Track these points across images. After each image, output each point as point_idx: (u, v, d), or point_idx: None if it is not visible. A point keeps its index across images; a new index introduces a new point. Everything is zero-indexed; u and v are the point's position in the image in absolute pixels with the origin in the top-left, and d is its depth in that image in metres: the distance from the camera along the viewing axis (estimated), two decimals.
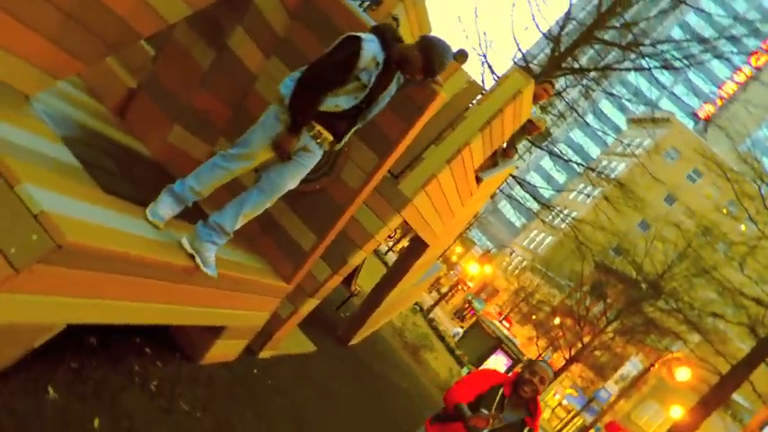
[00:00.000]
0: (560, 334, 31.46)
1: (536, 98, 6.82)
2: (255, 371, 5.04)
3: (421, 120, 3.88)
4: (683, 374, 21.23)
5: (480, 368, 3.98)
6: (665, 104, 54.24)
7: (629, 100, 20.49)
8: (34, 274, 2.13)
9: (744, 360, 12.62)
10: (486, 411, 3.56)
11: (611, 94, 19.45)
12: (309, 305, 5.40)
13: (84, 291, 2.46)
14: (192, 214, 3.43)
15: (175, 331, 4.08)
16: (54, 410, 2.74)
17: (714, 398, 13.34)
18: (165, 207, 3.10)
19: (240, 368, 4.77)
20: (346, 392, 7.04)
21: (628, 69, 17.82)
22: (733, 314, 14.51)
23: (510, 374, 3.90)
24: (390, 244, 37.29)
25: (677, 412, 16.05)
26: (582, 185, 21.04)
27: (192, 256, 3.12)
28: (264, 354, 5.33)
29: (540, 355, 34.15)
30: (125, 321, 2.88)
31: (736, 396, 30.69)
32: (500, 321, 38.97)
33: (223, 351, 4.38)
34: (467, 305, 45.49)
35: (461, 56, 7.67)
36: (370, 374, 8.77)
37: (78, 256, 2.26)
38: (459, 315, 45.91)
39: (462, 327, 38.92)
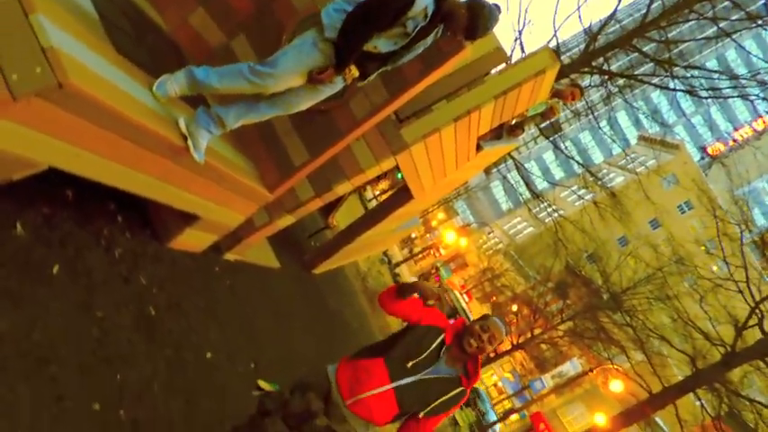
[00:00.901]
0: (514, 320, 32.18)
1: (561, 96, 6.74)
2: (217, 269, 5.14)
3: (440, 68, 3.86)
4: (617, 386, 21.92)
5: (446, 415, 3.50)
6: (680, 131, 54.15)
7: (646, 116, 20.40)
8: (30, 106, 2.15)
9: (676, 385, 13.12)
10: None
11: (631, 106, 19.34)
12: (285, 221, 5.47)
13: (74, 138, 2.48)
14: (195, 99, 3.44)
15: (150, 208, 4.12)
16: (17, 247, 2.80)
17: (638, 412, 13.90)
18: (175, 85, 3.09)
19: (204, 262, 4.86)
20: (298, 315, 7.21)
21: (654, 85, 17.66)
22: (679, 342, 14.97)
23: (455, 321, 3.21)
24: (377, 193, 37.33)
25: (601, 419, 16.67)
26: (576, 186, 21.08)
27: (184, 138, 3.14)
28: (230, 256, 5.42)
29: None
30: (105, 181, 2.91)
31: (658, 418, 31.97)
32: (461, 294, 39.61)
33: (191, 240, 4.45)
34: (434, 270, 46.03)
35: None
36: (324, 305, 8.96)
37: (76, 101, 2.27)
38: (424, 277, 46.52)
39: (416, 274, 39.60)
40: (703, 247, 21.52)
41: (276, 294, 6.66)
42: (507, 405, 37.98)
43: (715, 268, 17.85)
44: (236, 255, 5.54)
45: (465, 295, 42.17)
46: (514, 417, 39.23)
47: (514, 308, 32.77)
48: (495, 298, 38.46)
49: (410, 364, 2.95)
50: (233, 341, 4.69)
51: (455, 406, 3.05)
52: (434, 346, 2.99)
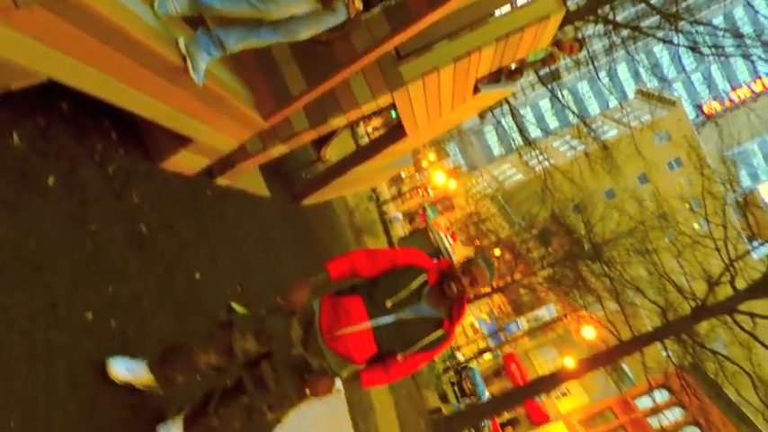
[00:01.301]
0: (496, 264, 32.77)
1: (561, 46, 6.68)
2: (209, 193, 5.19)
3: (445, 5, 3.82)
4: (589, 333, 22.72)
5: (425, 358, 3.13)
6: (678, 87, 53.69)
7: (646, 70, 20.17)
8: (32, 15, 2.13)
9: (646, 334, 13.64)
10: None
11: (633, 59, 19.10)
12: (278, 150, 5.49)
13: (75, 51, 2.47)
14: (196, 21, 3.39)
15: (144, 127, 4.11)
16: (14, 157, 2.82)
17: (606, 356, 14.50)
18: (176, 3, 3.03)
19: (195, 185, 4.91)
20: (285, 243, 7.33)
21: (658, 39, 17.41)
22: (653, 294, 15.44)
23: (439, 261, 3.02)
24: (369, 130, 37.05)
25: (570, 363, 17.34)
26: (569, 137, 21.06)
27: (184, 58, 3.12)
28: (221, 181, 5.46)
29: None
30: (102, 97, 2.91)
31: (625, 365, 33.28)
32: (446, 235, 40.10)
33: (184, 162, 4.47)
34: (421, 210, 46.36)
35: None
36: (310, 236, 9.09)
37: (78, 12, 2.25)
38: (410, 217, 46.91)
39: (403, 213, 40.08)
40: (687, 205, 21.82)
41: (265, 222, 6.75)
42: (482, 344, 39.27)
43: (696, 226, 18.19)
44: (228, 180, 5.58)
45: (450, 237, 42.70)
46: (488, 356, 40.65)
47: (497, 252, 33.29)
48: (479, 241, 38.99)
49: (389, 302, 2.82)
50: (222, 265, 4.81)
51: (437, 348, 2.94)
52: (415, 285, 2.85)
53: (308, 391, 2.86)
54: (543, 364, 39.95)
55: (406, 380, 14.29)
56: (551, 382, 15.92)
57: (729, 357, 13.74)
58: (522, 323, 28.28)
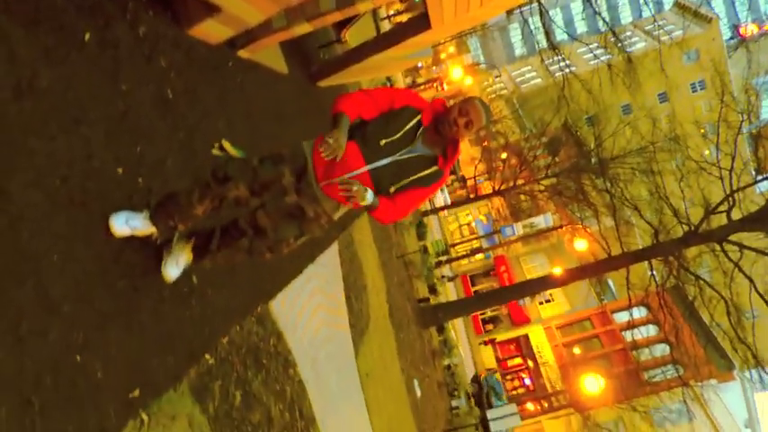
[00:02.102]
0: (500, 167, 32.88)
1: None
2: (231, 63, 5.25)
3: None
4: (581, 245, 23.33)
5: (425, 194, 2.76)
6: (717, 4, 50.99)
7: None
8: None
9: (635, 252, 14.09)
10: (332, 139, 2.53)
11: None
12: (301, 29, 5.47)
13: None
14: None
15: None
16: (53, 9, 2.90)
17: (594, 268, 15.06)
18: None
19: (218, 54, 4.96)
20: (296, 119, 7.43)
21: None
22: (650, 215, 15.74)
23: (434, 101, 2.92)
24: (391, 13, 35.67)
25: (558, 271, 17.98)
26: (595, 44, 20.37)
27: None
28: (243, 53, 5.50)
29: (474, 177, 35.99)
30: None
31: (609, 280, 34.42)
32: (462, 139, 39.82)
33: (210, 31, 4.51)
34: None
35: None
36: (323, 117, 9.16)
37: None
38: None
39: None
40: (702, 130, 21.59)
41: (281, 98, 6.82)
42: (476, 244, 40.34)
43: (707, 153, 18.12)
44: (249, 53, 5.61)
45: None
46: (480, 255, 41.87)
47: (503, 155, 33.28)
48: (486, 143, 38.83)
49: (383, 142, 2.75)
50: (238, 135, 4.96)
51: (432, 186, 2.87)
52: (410, 126, 2.78)
53: (322, 222, 2.91)
54: (532, 269, 41.26)
55: (399, 268, 14.94)
56: (537, 285, 16.61)
57: (710, 283, 14.26)
58: (518, 228, 28.84)
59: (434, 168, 2.82)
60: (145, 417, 2.85)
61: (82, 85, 2.96)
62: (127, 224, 2.89)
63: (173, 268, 3.05)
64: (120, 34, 3.45)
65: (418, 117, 2.80)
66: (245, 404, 4.00)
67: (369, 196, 2.66)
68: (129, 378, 2.77)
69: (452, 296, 31.75)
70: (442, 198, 26.91)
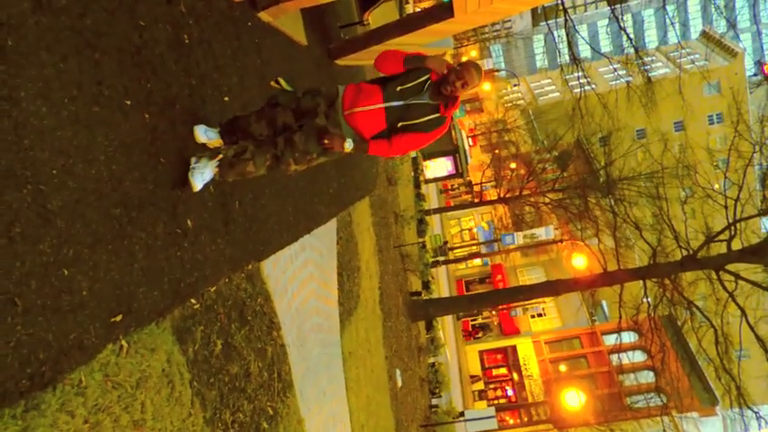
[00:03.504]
0: (508, 176, 32.89)
1: None
2: (250, 24, 5.29)
3: None
4: (579, 262, 23.28)
5: (424, 138, 3.70)
6: (745, 38, 50.85)
7: (718, 12, 19.07)
8: None
9: (631, 269, 14.07)
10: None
11: None
12: None
13: None
14: None
15: None
16: None
17: (589, 281, 15.04)
18: None
19: (240, 12, 5.00)
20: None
21: None
22: (649, 236, 15.71)
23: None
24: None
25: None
26: (618, 64, 20.33)
27: None
28: (264, 15, 5.53)
29: (481, 183, 35.98)
30: None
31: (603, 302, 34.42)
32: (467, 136, 39.83)
33: None
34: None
35: None
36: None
37: None
38: None
39: None
40: (715, 163, 21.53)
41: (295, 67, 6.85)
42: (474, 249, 40.32)
43: (717, 186, 18.08)
44: (270, 17, 5.64)
45: (471, 139, 42.45)
46: (477, 261, 41.90)
47: (513, 165, 33.30)
48: (497, 150, 38.82)
49: (399, 88, 3.48)
50: (248, 92, 4.99)
51: (435, 130, 3.57)
52: (422, 80, 3.49)
53: (326, 142, 3.55)
54: (528, 281, 41.26)
55: (396, 259, 14.97)
56: (531, 291, 16.58)
57: (702, 310, 14.24)
58: (519, 238, 28.78)
59: (437, 115, 3.53)
60: (124, 343, 2.89)
61: (100, 12, 3.00)
62: (205, 134, 3.75)
63: (198, 180, 3.60)
64: None
65: (428, 75, 3.51)
66: (224, 354, 4.04)
67: (347, 145, 3.56)
68: (114, 303, 2.81)
69: (445, 295, 31.74)
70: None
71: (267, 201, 5.15)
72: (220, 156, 3.65)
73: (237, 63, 4.84)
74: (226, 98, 4.52)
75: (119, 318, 2.83)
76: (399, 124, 3.53)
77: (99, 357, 2.67)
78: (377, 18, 9.72)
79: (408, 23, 7.79)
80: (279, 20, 5.86)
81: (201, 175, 3.60)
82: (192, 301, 3.69)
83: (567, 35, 17.92)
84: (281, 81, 3.75)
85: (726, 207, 13.72)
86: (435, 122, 3.54)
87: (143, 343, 3.05)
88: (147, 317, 3.10)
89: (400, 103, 3.50)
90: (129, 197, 3.05)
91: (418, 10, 31.56)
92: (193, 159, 3.65)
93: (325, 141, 3.54)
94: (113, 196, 2.91)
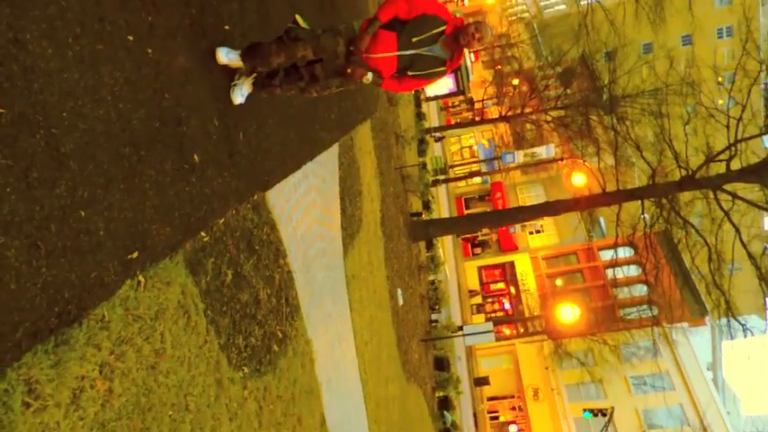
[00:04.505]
0: (510, 93, 32.34)
1: None
2: None
3: None
4: (578, 179, 23.40)
5: (427, 82, 3.82)
6: None
7: None
8: None
9: (630, 190, 14.20)
10: (370, 73, 3.90)
11: None
12: None
13: None
14: None
15: None
16: None
17: (586, 201, 15.22)
18: None
19: None
20: (313, 10, 7.26)
21: None
22: (649, 156, 15.70)
23: (455, 18, 3.93)
24: None
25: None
26: None
27: None
28: None
29: (482, 100, 35.42)
30: None
31: (601, 219, 34.80)
32: (469, 52, 38.81)
33: None
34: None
35: None
36: (335, 10, 8.93)
37: None
38: None
39: None
40: (720, 79, 21.17)
41: None
42: (475, 168, 40.32)
43: (720, 102, 17.86)
44: None
45: (472, 54, 41.36)
46: (477, 179, 42.01)
47: (515, 81, 32.64)
48: (500, 66, 37.93)
49: (414, 39, 3.81)
50: (249, 19, 4.88)
51: (435, 77, 4.06)
52: (435, 31, 3.83)
53: (349, 71, 3.91)
54: (528, 199, 41.58)
55: (396, 180, 15.05)
56: (531, 212, 16.80)
57: (698, 229, 14.48)
58: (519, 156, 28.71)
59: (442, 69, 4.00)
60: (142, 279, 3.02)
61: None
62: (227, 56, 4.05)
63: (239, 95, 4.16)
64: None
65: (443, 27, 3.85)
66: (235, 283, 4.20)
67: (369, 76, 3.95)
68: (129, 241, 2.91)
69: (445, 215, 32.10)
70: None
71: (271, 130, 5.16)
72: (255, 75, 4.16)
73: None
74: (226, 27, 4.43)
75: (135, 254, 2.94)
76: (409, 73, 3.96)
77: (119, 293, 2.80)
78: None
79: None
80: None
81: (240, 90, 4.15)
82: (203, 234, 3.80)
83: None
84: (299, 18, 4.01)
85: (728, 127, 13.64)
86: (438, 73, 4.00)
87: (159, 277, 3.18)
88: (161, 252, 3.21)
89: (412, 52, 3.85)
90: (137, 135, 3.08)
91: None
92: (236, 76, 4.17)
93: (349, 71, 3.90)
94: (122, 136, 2.94)
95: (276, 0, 5.73)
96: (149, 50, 3.30)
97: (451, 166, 39.84)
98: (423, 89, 27.55)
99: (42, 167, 2.36)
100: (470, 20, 4.10)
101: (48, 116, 2.42)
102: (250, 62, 4.11)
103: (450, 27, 3.86)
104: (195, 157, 3.71)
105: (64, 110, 2.53)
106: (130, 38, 3.11)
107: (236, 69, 4.22)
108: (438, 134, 34.11)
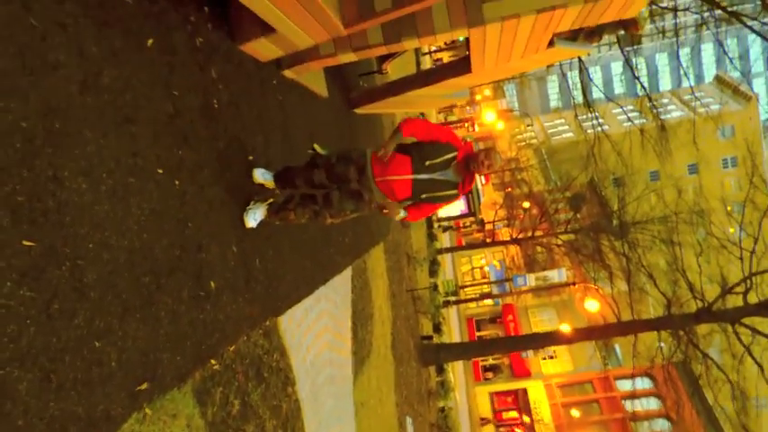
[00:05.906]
0: (521, 216, 32.84)
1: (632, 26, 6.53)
2: (275, 82, 5.44)
3: None
4: (591, 306, 23.02)
5: (437, 208, 4.14)
6: (758, 84, 51.10)
7: (731, 59, 19.27)
8: None
9: (645, 320, 13.91)
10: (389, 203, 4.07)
11: (721, 45, 18.21)
12: (347, 57, 5.65)
13: None
14: None
15: (234, 9, 4.32)
16: (124, 13, 3.09)
17: (602, 331, 14.88)
18: None
19: (265, 71, 5.15)
20: (332, 142, 7.60)
21: (753, 31, 16.54)
22: (664, 285, 15.57)
23: (465, 144, 4.13)
24: (432, 49, 36.27)
25: (566, 328, 17.80)
26: (631, 107, 20.50)
27: None
28: (288, 73, 5.69)
29: (493, 222, 35.94)
30: None
31: (616, 346, 33.83)
32: (480, 175, 39.92)
33: (261, 49, 4.71)
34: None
35: None
36: (355, 141, 9.34)
37: None
38: None
39: None
40: (729, 208, 21.48)
41: (317, 119, 6.99)
42: (486, 289, 40.04)
43: (731, 230, 17.98)
44: (294, 74, 5.80)
45: (483, 177, 42.54)
46: (488, 301, 41.52)
47: (526, 204, 33.28)
48: (510, 189, 38.85)
49: (428, 162, 3.96)
50: (273, 150, 5.12)
51: (447, 201, 4.17)
52: (448, 157, 3.99)
53: (385, 212, 4.11)
54: (539, 323, 40.81)
55: (408, 302, 14.92)
56: (544, 340, 16.42)
57: (718, 364, 14.02)
58: (530, 279, 28.56)
59: (454, 192, 4.09)
60: (148, 411, 2.93)
61: (139, 86, 3.13)
62: (263, 176, 4.50)
63: (252, 219, 4.32)
64: (180, 42, 3.63)
65: (455, 153, 4.03)
66: (241, 414, 4.06)
67: (402, 213, 4.12)
68: (140, 371, 2.86)
69: (456, 338, 31.45)
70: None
71: (287, 256, 5.22)
72: (271, 200, 4.37)
73: (262, 121, 4.98)
74: (250, 157, 4.64)
75: (144, 386, 2.88)
76: (423, 195, 4.05)
77: (124, 427, 2.71)
78: (395, 67, 9.94)
79: (428, 76, 7.95)
80: (302, 76, 6.03)
81: (254, 214, 4.31)
82: (213, 361, 3.73)
83: (581, 81, 18.13)
84: (317, 147, 4.48)
85: (741, 259, 13.61)
86: (450, 197, 4.10)
87: (165, 409, 3.08)
88: (170, 383, 3.14)
89: (427, 176, 3.98)
90: (159, 264, 3.13)
91: (436, 60, 32.05)
92: (251, 202, 4.37)
93: (384, 211, 4.10)
94: (144, 264, 2.99)
95: (299, 131, 6.04)
96: (177, 182, 3.43)
97: (462, 287, 39.60)
98: (436, 213, 28.13)
99: (64, 299, 2.38)
100: (481, 145, 4.37)
101: (76, 248, 2.48)
102: (279, 183, 4.46)
103: (462, 153, 4.03)
104: (212, 283, 3.73)
105: (92, 241, 2.59)
106: (160, 171, 3.25)
107: (256, 192, 4.44)
108: (446, 223, 34.30)
